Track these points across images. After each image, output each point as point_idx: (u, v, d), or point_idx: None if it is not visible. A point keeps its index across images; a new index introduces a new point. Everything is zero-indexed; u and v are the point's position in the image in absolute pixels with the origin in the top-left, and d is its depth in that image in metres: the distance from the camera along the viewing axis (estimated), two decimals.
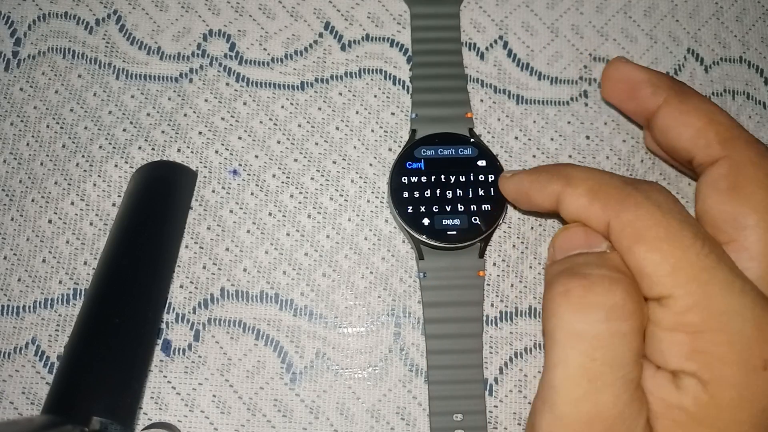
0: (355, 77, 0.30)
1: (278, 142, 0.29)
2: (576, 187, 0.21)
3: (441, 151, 0.27)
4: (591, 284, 0.18)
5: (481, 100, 0.30)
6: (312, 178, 0.29)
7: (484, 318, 0.27)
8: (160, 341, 0.27)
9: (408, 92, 0.30)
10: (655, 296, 0.19)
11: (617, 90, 0.26)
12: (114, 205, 0.28)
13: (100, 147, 0.29)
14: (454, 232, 0.26)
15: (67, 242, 0.28)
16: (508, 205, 0.27)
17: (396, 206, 0.27)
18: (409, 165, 0.27)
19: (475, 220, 0.26)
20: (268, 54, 0.30)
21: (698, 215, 0.22)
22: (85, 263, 0.28)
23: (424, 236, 0.26)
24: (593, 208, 0.20)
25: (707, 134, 0.22)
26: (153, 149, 0.29)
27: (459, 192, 0.27)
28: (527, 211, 0.28)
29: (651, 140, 0.26)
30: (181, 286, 0.27)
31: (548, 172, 0.23)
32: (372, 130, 0.29)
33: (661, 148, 0.25)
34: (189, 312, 0.27)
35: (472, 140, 0.28)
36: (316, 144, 0.29)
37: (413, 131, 0.28)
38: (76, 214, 0.28)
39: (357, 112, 0.29)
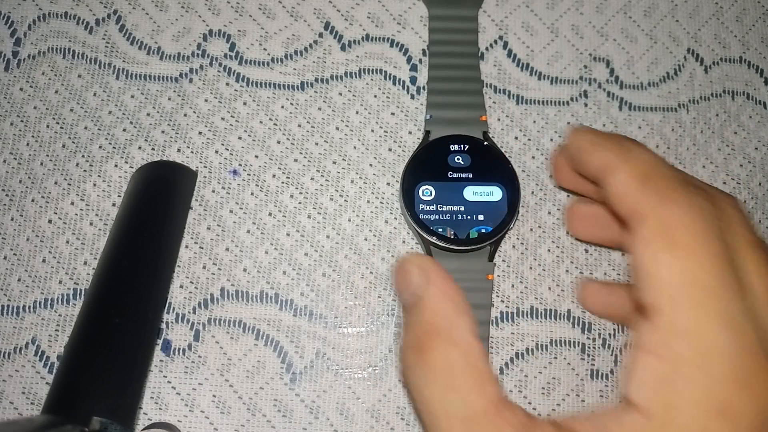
0: (355, 77, 0.30)
1: (278, 142, 0.29)
2: (633, 165, 0.19)
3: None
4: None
5: None
6: (312, 179, 0.29)
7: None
8: (160, 341, 0.27)
9: (408, 92, 0.30)
10: (647, 302, 0.17)
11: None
12: (114, 205, 0.28)
13: (100, 147, 0.29)
14: None
15: (67, 242, 0.28)
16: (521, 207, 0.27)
17: (407, 207, 0.26)
18: None
19: None
20: (268, 54, 0.30)
21: None
22: (85, 263, 0.28)
23: (434, 237, 0.26)
24: (644, 192, 0.18)
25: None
26: (153, 149, 0.29)
27: None
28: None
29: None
30: (181, 286, 0.27)
31: (611, 139, 0.21)
32: (372, 131, 0.29)
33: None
34: (189, 312, 0.27)
35: (486, 143, 0.28)
36: (316, 144, 0.29)
37: (427, 132, 0.28)
38: (76, 214, 0.28)
39: (357, 112, 0.29)
